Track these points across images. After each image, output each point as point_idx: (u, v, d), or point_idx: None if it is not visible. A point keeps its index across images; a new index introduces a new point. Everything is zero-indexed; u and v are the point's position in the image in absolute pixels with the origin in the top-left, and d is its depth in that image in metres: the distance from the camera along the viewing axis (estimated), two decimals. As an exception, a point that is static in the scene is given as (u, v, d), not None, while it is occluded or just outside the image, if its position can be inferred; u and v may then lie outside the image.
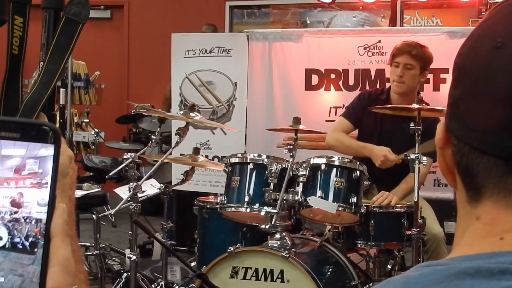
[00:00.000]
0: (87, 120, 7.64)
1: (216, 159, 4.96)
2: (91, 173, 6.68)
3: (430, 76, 4.43)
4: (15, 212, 0.61)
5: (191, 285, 3.23)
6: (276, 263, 3.02)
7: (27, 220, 0.61)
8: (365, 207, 3.32)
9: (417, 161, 3.21)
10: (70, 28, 0.90)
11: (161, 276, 3.76)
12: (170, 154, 3.60)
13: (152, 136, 3.62)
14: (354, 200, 3.25)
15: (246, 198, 3.31)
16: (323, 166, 3.29)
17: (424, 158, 3.22)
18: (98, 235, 4.48)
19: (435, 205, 3.91)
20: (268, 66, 5.03)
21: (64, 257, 0.61)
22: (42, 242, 0.61)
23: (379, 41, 4.78)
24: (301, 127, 3.38)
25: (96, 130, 7.37)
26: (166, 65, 6.24)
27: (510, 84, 0.63)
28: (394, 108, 3.60)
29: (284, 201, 3.21)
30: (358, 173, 3.28)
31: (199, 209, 3.71)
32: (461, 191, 0.69)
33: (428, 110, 3.36)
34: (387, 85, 3.95)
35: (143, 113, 6.24)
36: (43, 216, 0.61)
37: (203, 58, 5.13)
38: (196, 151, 3.60)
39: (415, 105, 3.27)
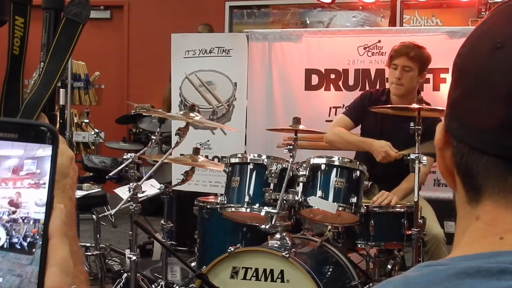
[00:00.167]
0: (87, 121, 7.64)
1: (216, 159, 4.96)
2: (91, 174, 6.69)
3: (430, 76, 4.44)
4: (13, 212, 0.61)
5: (191, 285, 3.23)
6: (276, 263, 3.01)
7: (25, 221, 0.61)
8: (365, 207, 3.32)
9: (417, 161, 3.21)
10: (70, 28, 0.90)
11: (161, 276, 3.76)
12: (170, 154, 3.60)
13: (152, 136, 3.62)
14: (354, 200, 3.25)
15: (246, 198, 3.31)
16: (323, 166, 3.29)
17: (424, 158, 3.21)
18: (98, 235, 4.48)
19: (435, 205, 3.90)
20: (268, 66, 5.04)
21: (62, 257, 0.61)
22: (40, 243, 0.61)
23: (379, 41, 4.78)
24: (301, 127, 3.38)
25: (96, 131, 7.37)
26: (166, 65, 6.25)
27: (510, 84, 0.63)
28: (394, 108, 3.60)
29: (284, 201, 3.21)
30: (358, 173, 3.28)
31: (199, 209, 3.71)
32: (461, 192, 0.69)
33: (428, 110, 3.36)
34: (387, 85, 3.95)
35: (143, 113, 6.24)
36: (41, 217, 0.61)
37: (203, 58, 5.13)
38: (196, 151, 3.60)
39: (415, 105, 3.27)
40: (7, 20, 0.90)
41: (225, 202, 3.39)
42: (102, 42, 8.60)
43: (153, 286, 3.71)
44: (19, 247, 0.61)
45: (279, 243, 3.18)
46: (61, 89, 6.11)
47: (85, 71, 7.49)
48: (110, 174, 3.86)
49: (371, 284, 3.29)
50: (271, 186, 3.27)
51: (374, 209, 3.39)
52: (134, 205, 3.32)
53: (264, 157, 3.39)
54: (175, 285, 3.81)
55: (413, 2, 7.25)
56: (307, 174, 3.26)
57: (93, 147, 7.61)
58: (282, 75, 5.02)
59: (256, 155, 3.43)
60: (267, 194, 3.25)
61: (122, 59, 8.82)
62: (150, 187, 3.68)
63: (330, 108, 4.88)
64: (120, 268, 4.49)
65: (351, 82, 4.84)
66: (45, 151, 0.62)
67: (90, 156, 6.91)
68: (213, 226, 3.67)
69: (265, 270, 3.03)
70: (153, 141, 3.59)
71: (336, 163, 3.32)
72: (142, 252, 4.64)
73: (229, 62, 5.07)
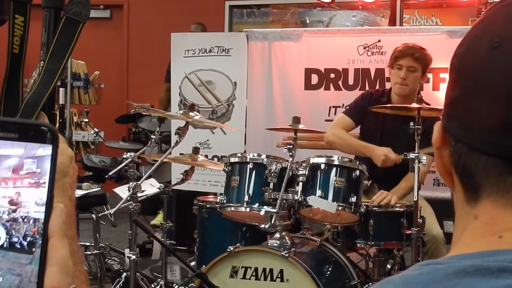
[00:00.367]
0: (87, 120, 7.64)
1: (215, 159, 4.96)
2: (91, 173, 6.69)
3: (429, 75, 4.43)
4: (13, 212, 0.61)
5: (190, 284, 3.23)
6: (276, 262, 3.01)
7: (25, 220, 0.61)
8: (364, 207, 3.32)
9: (416, 161, 3.21)
10: (70, 27, 0.90)
11: (160, 276, 3.76)
12: (170, 153, 3.60)
13: (152, 136, 3.61)
14: (353, 199, 3.25)
15: (246, 198, 3.31)
16: (322, 166, 3.29)
17: (424, 157, 3.21)
18: (97, 234, 4.48)
19: (435, 204, 3.91)
20: (267, 65, 5.04)
21: (62, 257, 0.61)
22: (40, 242, 0.61)
23: (379, 41, 4.78)
24: (300, 126, 3.38)
25: (96, 130, 7.36)
26: (165, 64, 6.25)
27: (509, 84, 0.63)
28: (394, 107, 3.59)
29: (284, 201, 3.20)
30: (357, 172, 3.28)
31: (199, 209, 3.71)
32: (459, 191, 0.69)
33: (428, 109, 3.36)
34: (387, 85, 3.95)
35: (143, 113, 6.24)
36: (41, 216, 0.61)
37: (202, 57, 5.13)
38: (196, 150, 3.60)
39: (415, 105, 3.27)
40: (7, 19, 0.90)
41: (225, 201, 3.39)
42: (102, 42, 8.59)
43: (152, 285, 3.71)
44: (19, 246, 0.61)
45: (278, 242, 3.18)
46: (60, 88, 6.10)
47: (85, 70, 7.49)
48: (110, 173, 3.86)
49: (370, 283, 3.29)
50: (271, 185, 3.27)
51: (374, 208, 3.38)
52: (134, 204, 3.32)
53: (263, 156, 3.39)
54: (175, 284, 3.81)
55: (413, 2, 7.25)
56: (306, 173, 3.26)
57: (93, 147, 7.61)
58: (281, 75, 5.02)
59: (255, 154, 3.43)
60: (266, 193, 3.24)
61: (122, 59, 8.82)
62: (150, 187, 3.68)
63: (330, 107, 4.88)
64: (119, 268, 4.49)
65: (351, 81, 4.84)
66: (45, 150, 0.62)
67: (89, 155, 6.91)
68: (212, 225, 3.67)
69: (264, 270, 3.03)
70: (153, 140, 3.58)
71: (336, 162, 3.32)
72: (141, 251, 4.64)
73: (228, 61, 5.07)
